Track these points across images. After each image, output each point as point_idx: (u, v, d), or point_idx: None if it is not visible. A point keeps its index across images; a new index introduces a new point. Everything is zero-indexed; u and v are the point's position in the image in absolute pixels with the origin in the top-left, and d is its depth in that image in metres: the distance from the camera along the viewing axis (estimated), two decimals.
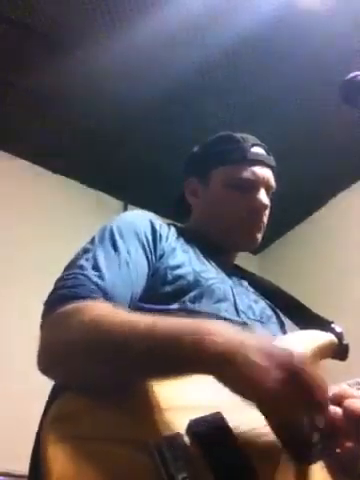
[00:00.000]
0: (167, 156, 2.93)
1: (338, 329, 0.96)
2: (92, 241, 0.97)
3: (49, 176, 3.10)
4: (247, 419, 0.70)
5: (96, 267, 0.88)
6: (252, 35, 2.38)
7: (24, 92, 2.65)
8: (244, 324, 0.97)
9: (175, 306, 0.93)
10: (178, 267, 0.98)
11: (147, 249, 0.97)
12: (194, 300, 0.94)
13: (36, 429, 0.78)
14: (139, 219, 1.05)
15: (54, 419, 0.66)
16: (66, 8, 2.29)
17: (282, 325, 1.13)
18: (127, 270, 0.91)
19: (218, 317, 0.93)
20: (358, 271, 2.88)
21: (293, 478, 0.67)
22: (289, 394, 0.59)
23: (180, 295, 0.94)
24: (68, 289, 0.83)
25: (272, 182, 1.18)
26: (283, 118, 2.81)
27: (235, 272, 1.17)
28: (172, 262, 0.98)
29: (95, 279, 0.84)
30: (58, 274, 0.90)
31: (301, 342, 0.88)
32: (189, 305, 0.93)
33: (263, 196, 1.14)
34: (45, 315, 0.82)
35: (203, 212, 1.20)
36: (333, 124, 2.79)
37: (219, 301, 0.97)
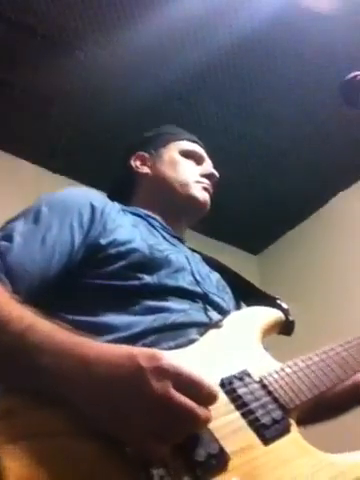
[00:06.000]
0: None
1: (284, 305, 0.98)
2: (18, 213, 0.95)
3: (49, 176, 3.10)
4: (223, 411, 0.72)
5: (8, 238, 0.87)
6: (252, 35, 2.38)
7: (24, 92, 2.65)
8: (205, 296, 0.97)
9: (135, 282, 0.91)
10: (129, 242, 0.97)
11: (77, 227, 0.93)
12: (152, 272, 0.93)
13: None
14: (75, 196, 1.02)
15: None
16: (66, 8, 2.29)
17: (234, 296, 1.13)
18: (41, 246, 0.88)
19: (177, 289, 0.93)
20: (358, 271, 2.88)
21: (263, 469, 0.68)
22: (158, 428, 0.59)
23: (137, 268, 0.93)
24: None
25: None
26: (283, 118, 2.81)
27: (186, 247, 1.19)
28: (121, 237, 0.97)
29: (2, 249, 0.84)
30: None
31: (248, 319, 0.92)
32: (147, 279, 0.92)
33: (211, 166, 1.31)
34: None
35: (157, 177, 1.27)
36: (333, 124, 2.79)
37: (177, 271, 0.98)
